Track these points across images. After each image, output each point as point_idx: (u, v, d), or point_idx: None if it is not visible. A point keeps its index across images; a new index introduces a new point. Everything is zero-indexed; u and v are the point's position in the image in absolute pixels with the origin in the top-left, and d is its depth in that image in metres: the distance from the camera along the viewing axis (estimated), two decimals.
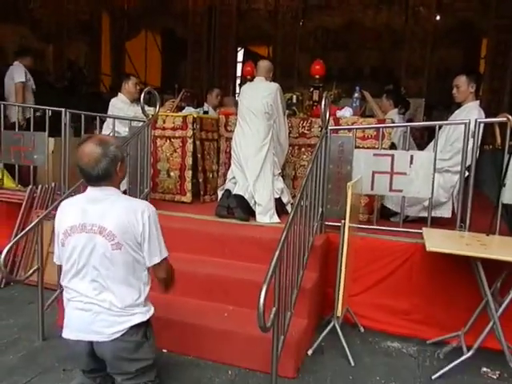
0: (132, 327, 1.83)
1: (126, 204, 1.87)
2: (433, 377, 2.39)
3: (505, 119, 2.74)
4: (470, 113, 3.21)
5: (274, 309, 2.02)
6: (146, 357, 1.91)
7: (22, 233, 2.52)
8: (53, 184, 3.81)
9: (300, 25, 9.55)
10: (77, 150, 1.85)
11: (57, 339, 2.57)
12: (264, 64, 3.78)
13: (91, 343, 1.84)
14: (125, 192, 3.53)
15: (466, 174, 2.91)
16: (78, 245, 1.84)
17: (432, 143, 3.27)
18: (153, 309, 1.97)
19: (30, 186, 3.70)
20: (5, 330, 2.72)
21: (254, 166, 3.52)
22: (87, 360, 1.90)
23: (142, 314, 1.88)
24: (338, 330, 2.59)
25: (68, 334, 1.88)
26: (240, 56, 10.60)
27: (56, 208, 2.69)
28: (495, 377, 2.46)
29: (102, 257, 1.81)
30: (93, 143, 1.83)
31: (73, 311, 1.87)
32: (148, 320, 1.92)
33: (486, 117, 3.24)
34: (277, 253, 2.02)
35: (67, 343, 1.92)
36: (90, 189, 1.90)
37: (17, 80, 5.07)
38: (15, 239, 2.46)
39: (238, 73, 10.41)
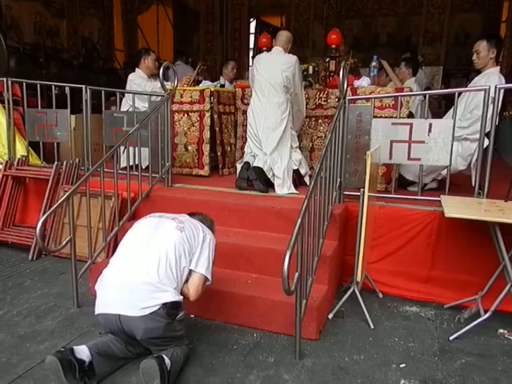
0: (162, 308, 1.95)
1: (196, 221, 2.29)
2: (450, 338, 2.48)
3: None
4: (490, 79, 3.17)
5: (296, 274, 2.11)
6: (175, 334, 2.08)
7: (54, 206, 2.62)
8: (76, 160, 3.93)
9: None
10: None
11: (91, 307, 2.71)
12: (285, 33, 3.71)
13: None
14: (147, 168, 3.61)
15: (486, 141, 2.90)
16: (147, 223, 2.21)
17: (450, 111, 3.25)
18: (181, 298, 2.09)
19: (56, 163, 3.81)
20: (42, 299, 2.89)
21: (272, 139, 3.55)
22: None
23: (173, 294, 2.00)
24: (358, 294, 2.68)
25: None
26: (252, 28, 10.43)
27: (84, 183, 2.82)
28: None
29: (161, 233, 2.10)
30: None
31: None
32: (179, 304, 2.05)
33: (507, 83, 3.19)
34: (299, 221, 2.10)
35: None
36: None
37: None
38: (48, 212, 2.55)
39: (251, 45, 10.27)
